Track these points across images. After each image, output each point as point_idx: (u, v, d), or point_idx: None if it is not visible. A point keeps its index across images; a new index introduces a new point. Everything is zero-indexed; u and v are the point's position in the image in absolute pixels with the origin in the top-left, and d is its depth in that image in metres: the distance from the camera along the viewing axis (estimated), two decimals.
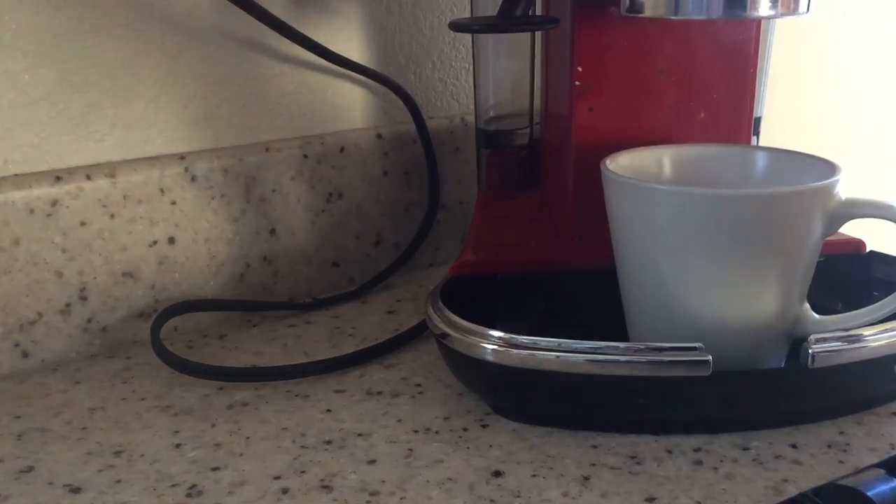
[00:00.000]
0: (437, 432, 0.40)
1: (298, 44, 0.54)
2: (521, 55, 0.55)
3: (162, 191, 0.50)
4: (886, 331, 0.38)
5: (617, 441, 0.39)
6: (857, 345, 0.37)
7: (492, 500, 0.35)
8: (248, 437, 0.40)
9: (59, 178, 0.47)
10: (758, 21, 0.46)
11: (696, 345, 0.37)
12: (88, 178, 0.48)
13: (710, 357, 0.36)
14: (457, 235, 0.64)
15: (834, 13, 0.92)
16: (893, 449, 0.37)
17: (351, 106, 0.59)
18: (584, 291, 0.45)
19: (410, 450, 0.39)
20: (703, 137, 0.47)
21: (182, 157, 0.51)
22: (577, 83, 0.46)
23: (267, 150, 0.54)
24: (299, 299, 0.57)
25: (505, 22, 0.41)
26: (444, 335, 0.41)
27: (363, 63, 0.58)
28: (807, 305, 0.40)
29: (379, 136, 0.59)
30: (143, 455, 0.39)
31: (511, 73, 0.56)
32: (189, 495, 0.36)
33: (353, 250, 0.59)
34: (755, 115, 0.55)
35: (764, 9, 0.38)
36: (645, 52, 0.47)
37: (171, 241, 0.51)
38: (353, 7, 0.58)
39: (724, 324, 0.38)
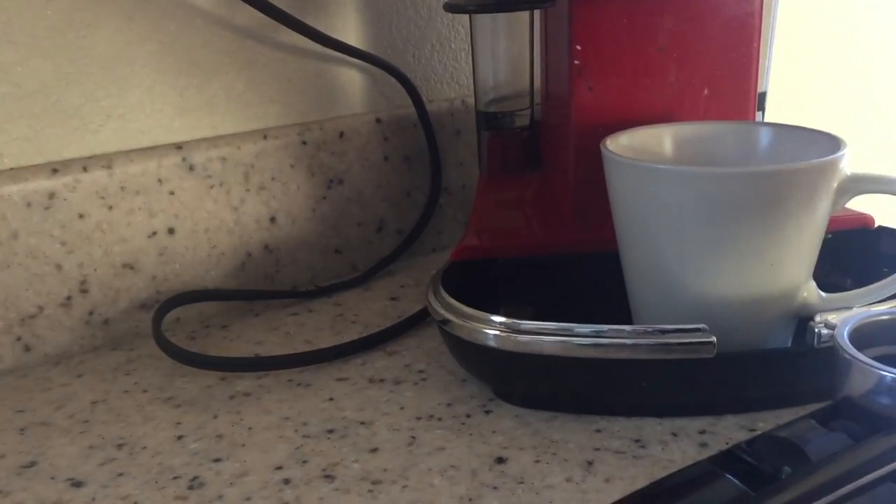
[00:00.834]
0: (439, 419, 0.40)
1: (295, 30, 0.53)
2: (520, 35, 0.55)
3: (160, 181, 0.50)
4: (894, 307, 0.37)
5: (621, 425, 0.39)
6: None
7: (495, 487, 0.35)
8: (249, 428, 0.40)
9: (55, 171, 0.47)
10: None
11: (700, 326, 0.36)
12: (85, 170, 0.48)
13: (714, 338, 0.36)
14: (459, 219, 0.63)
15: None
16: None
17: (349, 91, 0.58)
18: (587, 274, 0.45)
19: (413, 437, 0.39)
20: (706, 115, 0.46)
21: (179, 146, 0.51)
22: (575, 62, 0.46)
23: (265, 137, 0.54)
24: (301, 287, 0.56)
25: (501, 1, 0.40)
26: (446, 321, 0.41)
27: (361, 47, 0.57)
28: (813, 283, 0.39)
29: (378, 120, 0.58)
30: (144, 448, 0.39)
31: (510, 53, 0.55)
32: (191, 487, 0.36)
33: (354, 237, 0.58)
34: (760, 90, 0.54)
35: None
36: (645, 29, 0.46)
37: (171, 231, 0.51)
38: None
39: (729, 304, 0.37)
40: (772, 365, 0.38)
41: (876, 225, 0.47)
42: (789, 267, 0.37)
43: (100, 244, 0.48)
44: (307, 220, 0.56)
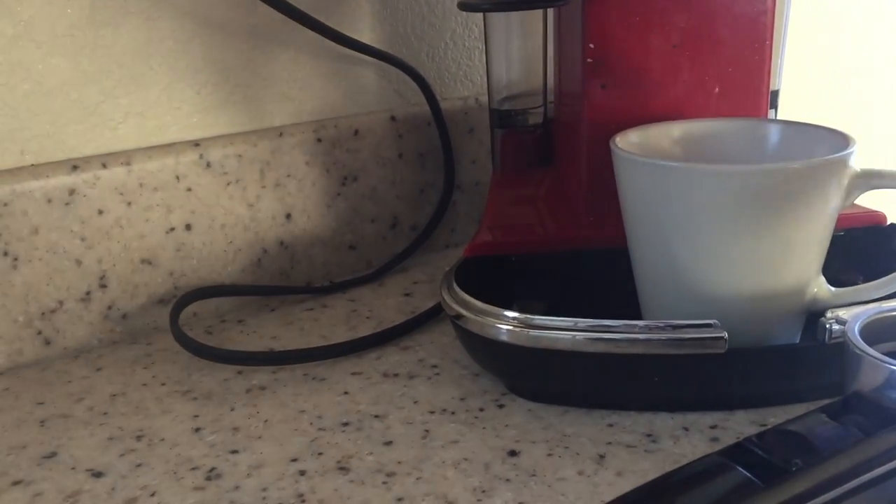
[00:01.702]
0: (453, 413, 0.41)
1: (310, 28, 0.54)
2: (534, 33, 0.55)
3: (177, 178, 0.51)
4: None
5: (633, 419, 0.39)
6: None
7: (507, 480, 0.35)
8: (266, 421, 0.41)
9: (75, 167, 0.48)
10: None
11: (711, 322, 0.37)
12: (104, 166, 0.48)
13: (725, 334, 0.36)
14: (473, 216, 0.64)
15: None
16: None
17: (364, 89, 0.59)
18: (600, 270, 0.45)
19: (427, 430, 0.39)
20: (718, 112, 0.46)
21: (196, 143, 0.52)
22: (588, 60, 0.46)
23: (281, 134, 0.54)
24: (316, 283, 0.57)
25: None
26: (459, 316, 0.41)
27: (375, 45, 0.58)
28: (822, 279, 0.39)
29: (393, 118, 0.59)
30: (163, 439, 0.40)
31: (524, 51, 0.56)
32: (208, 478, 0.37)
33: (369, 233, 0.59)
34: (772, 87, 0.54)
35: None
36: (657, 27, 0.46)
37: (188, 227, 0.51)
38: None
39: (739, 300, 0.38)
40: (782, 360, 0.38)
41: (888, 222, 0.48)
42: (799, 263, 0.37)
43: (119, 240, 0.49)
44: (322, 217, 0.56)
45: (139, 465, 0.38)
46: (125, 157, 0.49)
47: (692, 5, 0.45)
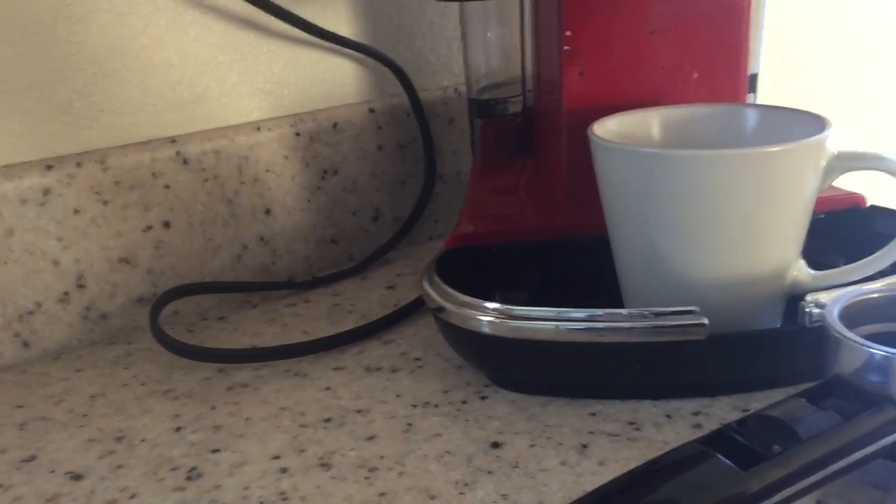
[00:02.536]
0: (435, 406, 0.40)
1: (286, 21, 0.53)
2: (511, 22, 0.55)
3: (154, 175, 0.50)
4: (885, 284, 0.37)
5: (616, 408, 0.39)
6: None
7: (490, 472, 0.35)
8: (247, 418, 0.40)
9: (49, 167, 0.47)
10: None
11: (691, 308, 0.36)
12: (79, 165, 0.48)
13: (706, 320, 0.36)
14: (456, 207, 0.63)
15: None
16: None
17: (342, 81, 0.58)
18: (582, 259, 0.45)
19: (409, 424, 0.39)
20: (697, 97, 0.46)
21: (173, 140, 0.51)
22: (566, 48, 0.46)
23: (258, 129, 0.54)
24: (298, 278, 0.56)
25: None
26: (441, 309, 0.41)
27: (352, 37, 0.57)
28: (802, 262, 0.39)
29: (372, 110, 0.58)
30: (143, 440, 0.39)
31: (501, 40, 0.55)
32: (189, 478, 0.36)
33: (350, 226, 0.59)
34: (751, 71, 0.54)
35: None
36: (634, 13, 0.46)
37: (167, 225, 0.51)
38: None
39: (720, 285, 0.37)
40: (763, 345, 0.38)
41: (868, 204, 0.47)
42: (778, 246, 0.37)
43: (96, 239, 0.49)
44: (302, 211, 0.56)
45: (119, 467, 0.37)
46: (100, 156, 0.49)
47: None
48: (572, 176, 0.47)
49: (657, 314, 0.37)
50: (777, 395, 0.38)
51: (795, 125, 0.38)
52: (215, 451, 0.38)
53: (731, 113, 0.42)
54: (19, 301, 0.47)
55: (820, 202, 0.39)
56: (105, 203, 0.49)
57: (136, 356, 0.48)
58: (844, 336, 0.31)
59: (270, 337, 0.49)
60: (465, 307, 0.40)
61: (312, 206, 0.56)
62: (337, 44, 0.56)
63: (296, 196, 0.56)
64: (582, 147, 0.43)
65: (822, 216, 0.43)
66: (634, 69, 0.47)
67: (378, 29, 0.59)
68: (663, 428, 0.37)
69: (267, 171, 0.54)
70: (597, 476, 0.34)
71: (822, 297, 0.36)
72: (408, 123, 0.60)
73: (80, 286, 0.49)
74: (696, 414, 0.38)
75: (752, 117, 0.42)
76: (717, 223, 0.36)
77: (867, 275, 0.38)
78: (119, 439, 0.39)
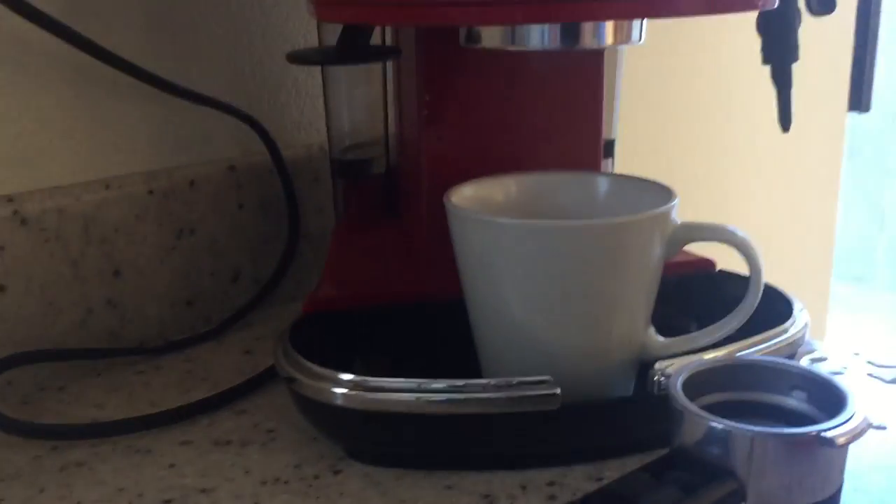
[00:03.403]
0: (286, 482, 0.38)
1: (136, 78, 0.51)
2: (375, 82, 0.54)
3: None
4: (727, 353, 0.38)
5: (472, 479, 0.38)
6: None
7: None
8: (78, 502, 0.37)
9: None
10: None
11: (544, 378, 0.36)
12: None
13: (558, 390, 0.36)
14: (321, 267, 0.62)
15: (688, 39, 0.96)
16: None
17: (200, 138, 0.56)
18: (443, 324, 0.44)
19: (256, 503, 0.37)
20: (554, 163, 0.47)
21: (10, 199, 0.48)
22: (425, 112, 0.46)
23: (107, 187, 0.51)
24: (150, 343, 0.53)
25: (344, 53, 0.40)
26: (292, 379, 0.39)
27: (212, 95, 0.55)
28: (652, 329, 0.40)
29: (232, 167, 0.56)
30: None
31: (365, 100, 0.55)
32: None
33: (208, 288, 0.56)
34: (607, 137, 0.56)
35: (598, 39, 0.38)
36: (491, 80, 0.46)
37: (1, 289, 0.47)
38: (200, 36, 0.55)
39: (571, 354, 0.37)
40: (614, 414, 0.38)
41: (717, 269, 0.49)
42: (627, 314, 0.38)
43: None
44: (154, 273, 0.53)
45: None
46: None
47: (524, 60, 0.46)
48: (432, 239, 0.46)
49: (508, 385, 0.36)
50: (631, 463, 0.38)
51: (643, 194, 0.39)
52: None
53: (584, 181, 0.43)
54: None
55: (670, 266, 0.40)
56: None
57: None
58: (686, 408, 0.31)
59: (114, 409, 0.46)
60: (318, 379, 0.39)
61: (166, 267, 0.54)
62: (194, 101, 0.55)
63: (147, 257, 0.53)
64: (441, 211, 0.42)
65: (674, 280, 0.44)
66: (492, 135, 0.47)
67: (240, 84, 0.58)
68: (517, 500, 0.36)
69: (116, 230, 0.51)
70: None
71: (669, 366, 0.37)
72: (270, 181, 0.58)
73: None
74: (551, 484, 0.37)
75: (602, 186, 0.42)
76: (566, 291, 0.36)
77: (715, 340, 0.39)
78: None
